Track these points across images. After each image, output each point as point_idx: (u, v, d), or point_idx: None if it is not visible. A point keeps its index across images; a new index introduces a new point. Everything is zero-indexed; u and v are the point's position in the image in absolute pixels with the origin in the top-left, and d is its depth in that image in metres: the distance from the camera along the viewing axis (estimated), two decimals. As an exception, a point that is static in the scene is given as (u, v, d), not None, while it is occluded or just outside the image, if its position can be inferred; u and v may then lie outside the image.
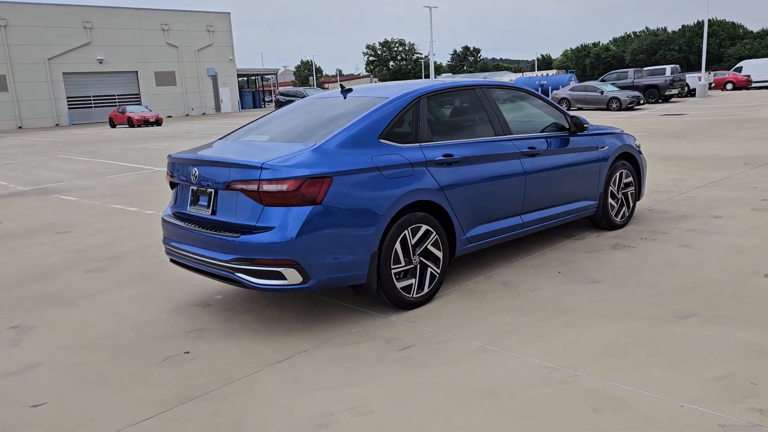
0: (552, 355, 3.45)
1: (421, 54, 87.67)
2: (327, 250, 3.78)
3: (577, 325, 3.84)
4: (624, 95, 27.77)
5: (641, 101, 28.22)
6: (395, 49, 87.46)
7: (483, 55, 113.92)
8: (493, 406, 2.96)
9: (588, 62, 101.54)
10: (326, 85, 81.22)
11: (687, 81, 34.45)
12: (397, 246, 4.06)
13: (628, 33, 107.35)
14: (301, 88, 40.85)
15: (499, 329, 3.84)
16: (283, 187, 3.69)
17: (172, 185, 4.57)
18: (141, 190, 10.45)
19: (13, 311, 4.61)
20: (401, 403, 3.04)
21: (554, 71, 68.89)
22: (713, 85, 42.96)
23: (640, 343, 3.54)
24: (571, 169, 5.33)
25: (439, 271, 4.33)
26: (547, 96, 49.66)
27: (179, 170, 4.37)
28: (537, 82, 54.52)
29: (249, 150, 4.39)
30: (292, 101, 17.23)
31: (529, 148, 4.98)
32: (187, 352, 3.75)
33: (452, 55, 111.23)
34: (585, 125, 5.53)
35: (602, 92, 28.52)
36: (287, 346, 3.77)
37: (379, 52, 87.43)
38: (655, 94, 30.93)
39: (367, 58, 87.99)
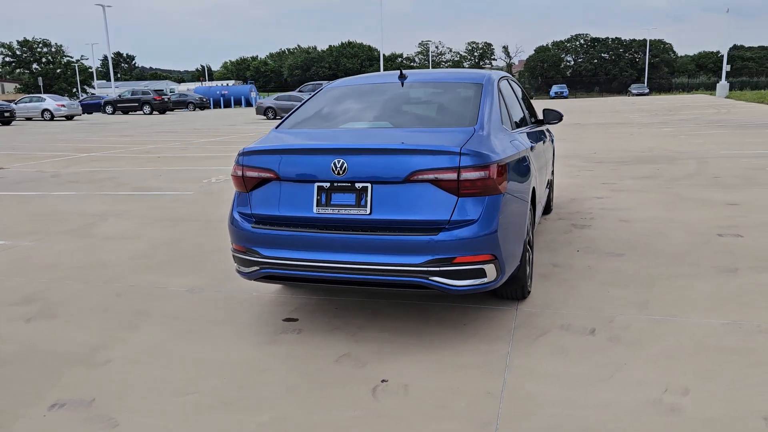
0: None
1: (72, 57, 78.68)
2: (509, 241, 3.57)
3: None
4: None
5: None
6: (39, 50, 76.65)
7: (139, 63, 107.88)
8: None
9: (249, 75, 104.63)
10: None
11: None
12: None
13: (283, 49, 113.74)
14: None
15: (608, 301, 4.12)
16: (485, 174, 3.35)
17: (252, 183, 3.67)
18: None
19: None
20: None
21: (233, 82, 69.24)
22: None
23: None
24: None
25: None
26: (252, 105, 49.71)
27: (292, 163, 3.54)
28: (218, 92, 54.23)
29: (396, 136, 3.75)
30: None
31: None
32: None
33: (102, 60, 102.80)
34: None
35: (304, 102, 30.10)
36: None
37: (18, 53, 75.46)
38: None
39: (2, 58, 75.23)
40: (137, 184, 9.99)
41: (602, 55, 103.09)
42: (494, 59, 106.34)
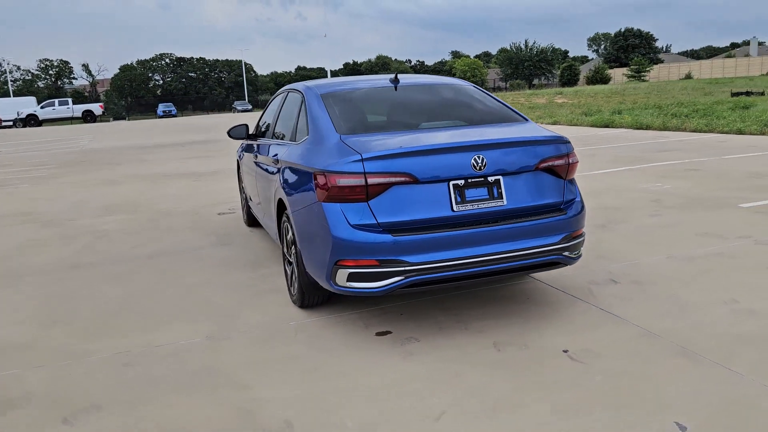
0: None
1: None
2: None
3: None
4: None
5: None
6: None
7: None
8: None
9: None
10: None
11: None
12: None
13: None
14: None
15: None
16: (576, 159, 3.92)
17: (378, 190, 3.43)
18: None
19: None
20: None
21: None
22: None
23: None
24: None
25: None
26: None
27: (430, 164, 3.45)
28: None
29: (489, 132, 3.92)
30: None
31: None
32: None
33: None
34: None
35: None
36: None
37: None
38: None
39: None
40: None
41: (190, 74, 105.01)
42: (74, 78, 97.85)
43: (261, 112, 6.17)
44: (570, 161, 3.84)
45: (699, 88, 35.76)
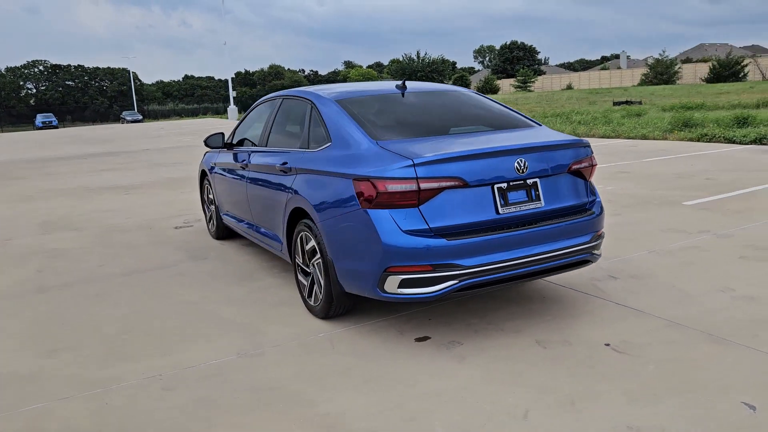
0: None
1: None
2: None
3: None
4: None
5: None
6: None
7: None
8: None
9: None
10: None
11: None
12: None
13: None
14: None
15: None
16: (596, 162, 4.11)
17: (429, 195, 3.43)
18: None
19: None
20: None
21: None
22: None
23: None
24: None
25: None
26: None
27: (478, 167, 3.50)
28: None
29: (517, 136, 4.03)
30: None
31: None
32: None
33: None
34: None
35: None
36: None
37: None
38: None
39: None
40: None
41: (67, 82, 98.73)
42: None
43: (237, 122, 5.95)
44: (593, 163, 4.03)
45: (582, 97, 38.32)
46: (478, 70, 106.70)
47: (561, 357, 3.47)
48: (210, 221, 6.73)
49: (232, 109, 45.43)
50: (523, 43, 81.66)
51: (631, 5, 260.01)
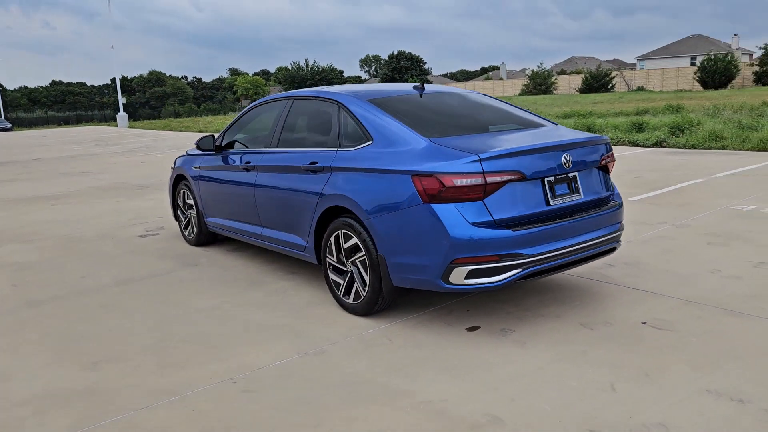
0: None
1: None
2: None
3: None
4: None
5: None
6: None
7: None
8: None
9: None
10: None
11: None
12: None
13: None
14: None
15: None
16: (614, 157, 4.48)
17: (492, 188, 3.61)
18: None
19: None
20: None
21: None
22: None
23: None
24: None
25: None
26: None
27: (534, 162, 3.72)
28: None
29: (548, 133, 4.27)
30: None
31: None
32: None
33: None
34: None
35: None
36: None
37: None
38: None
39: None
40: None
41: None
42: None
43: (228, 124, 5.80)
44: (613, 158, 4.38)
45: (476, 105, 40.00)
46: (366, 79, 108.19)
47: (610, 336, 3.76)
48: (187, 227, 6.48)
49: (122, 116, 42.79)
50: (410, 53, 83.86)
51: (505, 19, 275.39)
